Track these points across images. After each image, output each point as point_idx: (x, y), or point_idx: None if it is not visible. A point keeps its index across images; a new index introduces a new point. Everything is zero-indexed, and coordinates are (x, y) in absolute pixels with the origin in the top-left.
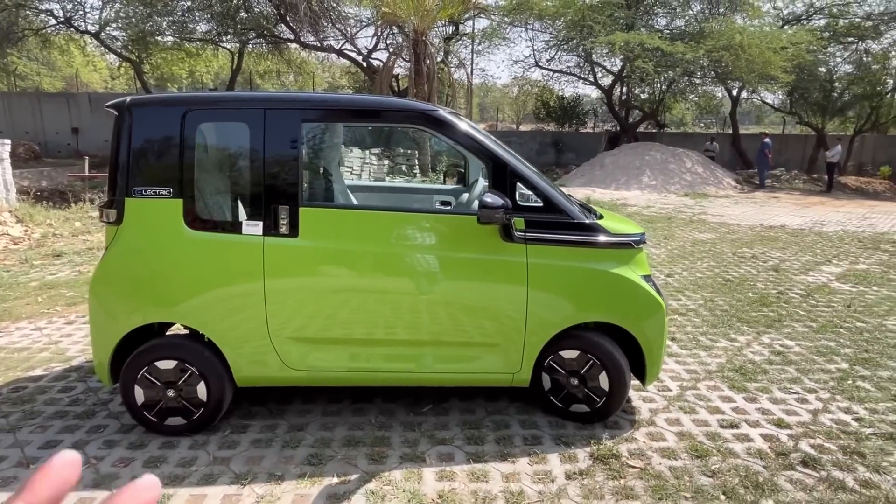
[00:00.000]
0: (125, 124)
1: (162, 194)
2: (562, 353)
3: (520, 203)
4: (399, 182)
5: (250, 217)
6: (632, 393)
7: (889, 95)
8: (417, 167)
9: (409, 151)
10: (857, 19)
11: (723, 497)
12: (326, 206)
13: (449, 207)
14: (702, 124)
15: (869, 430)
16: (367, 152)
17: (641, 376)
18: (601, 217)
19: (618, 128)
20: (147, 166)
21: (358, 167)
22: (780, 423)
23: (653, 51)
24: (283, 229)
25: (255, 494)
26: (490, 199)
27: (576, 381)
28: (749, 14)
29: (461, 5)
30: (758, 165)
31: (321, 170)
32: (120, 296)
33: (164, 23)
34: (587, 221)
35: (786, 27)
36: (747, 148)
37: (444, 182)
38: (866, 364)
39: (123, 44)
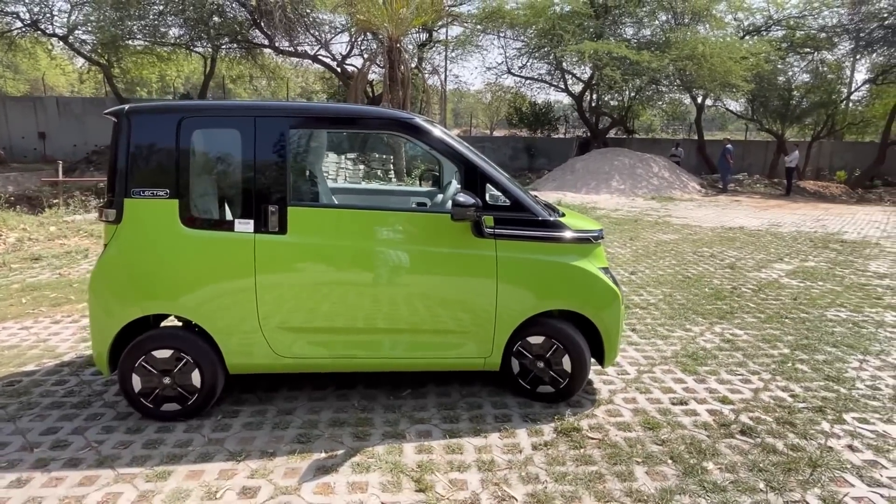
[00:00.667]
0: (124, 130)
1: (159, 195)
2: (529, 338)
3: (489, 202)
4: (376, 185)
5: (242, 216)
6: (593, 376)
7: (843, 103)
8: (393, 171)
9: (384, 156)
10: (813, 31)
11: (670, 461)
12: (312, 205)
13: (424, 207)
14: (669, 130)
15: (801, 405)
16: (343, 157)
17: (601, 359)
18: (563, 215)
19: (588, 133)
20: (145, 169)
21: (334, 171)
22: (724, 400)
23: (620, 59)
24: (273, 227)
25: (249, 469)
26: (462, 198)
27: (542, 365)
28: (712, 25)
29: (434, 14)
30: (720, 170)
31: (307, 172)
32: (119, 290)
33: (135, 27)
34: (550, 219)
35: (746, 38)
36: (712, 153)
37: (420, 185)
38: (806, 349)
39: (92, 47)
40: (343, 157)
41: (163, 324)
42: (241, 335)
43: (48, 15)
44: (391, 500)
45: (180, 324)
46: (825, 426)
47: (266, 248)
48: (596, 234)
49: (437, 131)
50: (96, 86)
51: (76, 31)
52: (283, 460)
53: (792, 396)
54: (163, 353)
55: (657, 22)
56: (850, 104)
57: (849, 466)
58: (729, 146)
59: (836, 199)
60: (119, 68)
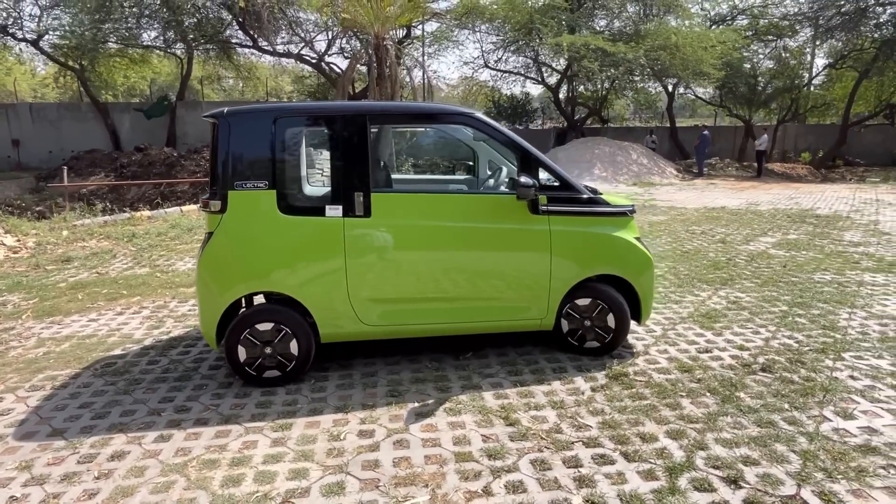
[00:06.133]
0: (224, 131)
1: (259, 186)
2: (577, 301)
3: (541, 183)
4: (420, 175)
5: (332, 202)
6: (628, 335)
7: (806, 88)
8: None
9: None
10: (776, 19)
11: (708, 394)
12: (391, 191)
13: (479, 190)
14: (641, 118)
15: (806, 349)
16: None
17: (637, 317)
18: (601, 194)
19: (565, 124)
20: (245, 164)
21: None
22: (741, 348)
23: (596, 51)
24: (359, 211)
25: (357, 418)
26: (525, 179)
27: (588, 323)
28: (680, 15)
29: (417, 11)
30: (696, 155)
31: (381, 162)
32: (226, 271)
33: (108, 30)
34: (592, 196)
35: (713, 27)
36: (685, 140)
37: (455, 174)
38: (801, 306)
39: (65, 52)
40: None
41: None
42: (332, 307)
43: (17, 20)
44: (488, 433)
45: (264, 301)
46: (829, 363)
47: (353, 230)
48: (631, 209)
49: (494, 123)
50: (62, 91)
51: (46, 36)
52: (384, 410)
53: (797, 343)
54: (265, 326)
55: (628, 13)
56: (812, 88)
57: (853, 390)
58: (706, 132)
59: (802, 179)
60: (94, 72)
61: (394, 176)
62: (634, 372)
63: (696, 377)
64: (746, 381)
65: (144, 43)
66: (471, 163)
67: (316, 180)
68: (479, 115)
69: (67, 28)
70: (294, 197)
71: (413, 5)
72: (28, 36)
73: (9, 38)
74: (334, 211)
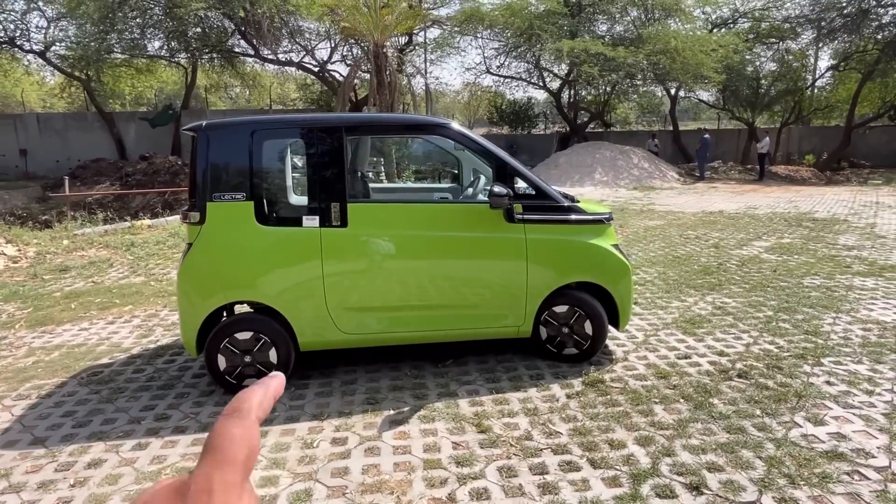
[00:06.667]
0: (203, 143)
1: (237, 198)
2: (555, 308)
3: (517, 192)
4: (401, 184)
5: (309, 213)
6: (608, 340)
7: (809, 90)
8: (384, 174)
9: (373, 159)
10: (778, 22)
11: (682, 400)
12: (367, 201)
13: (459, 199)
14: (644, 122)
15: (786, 354)
16: None
17: (616, 323)
18: (578, 201)
19: (567, 129)
20: (223, 176)
21: None
22: (721, 354)
23: (596, 56)
24: (336, 221)
25: (332, 425)
26: (498, 189)
27: (566, 330)
28: (682, 19)
29: (417, 19)
30: (698, 159)
31: (358, 173)
32: (205, 281)
33: (114, 40)
34: (568, 204)
35: (714, 31)
36: (687, 143)
37: (439, 182)
38: (787, 311)
39: (71, 62)
40: None
41: (235, 311)
42: (310, 316)
43: (25, 32)
44: (459, 440)
45: (251, 311)
46: (806, 368)
47: (330, 240)
48: (607, 216)
49: (470, 133)
50: (70, 101)
51: (53, 47)
52: (359, 417)
53: (777, 348)
54: (244, 335)
55: (629, 18)
56: (815, 90)
57: (827, 396)
58: (707, 136)
59: (806, 181)
60: (99, 82)
61: (374, 185)
62: (611, 378)
63: (672, 383)
64: (721, 388)
65: (149, 53)
66: (456, 171)
67: (295, 192)
68: (454, 125)
69: (73, 39)
70: (272, 208)
71: (413, 13)
72: (35, 47)
73: (17, 49)
74: (311, 221)
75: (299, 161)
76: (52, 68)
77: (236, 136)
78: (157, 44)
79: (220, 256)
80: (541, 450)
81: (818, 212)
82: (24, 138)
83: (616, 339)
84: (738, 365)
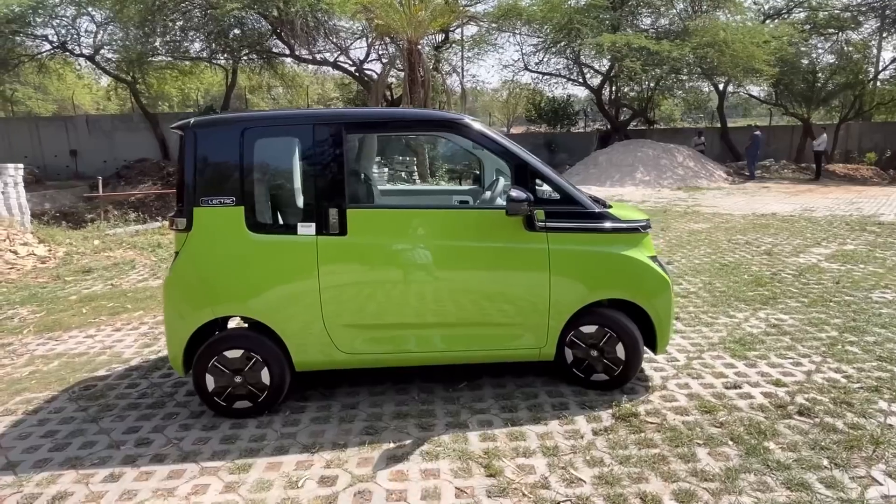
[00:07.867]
0: (190, 142)
1: (226, 203)
2: (582, 328)
3: (540, 197)
4: (419, 186)
5: (304, 219)
6: (644, 364)
7: (871, 83)
8: (416, 174)
9: (407, 158)
10: (837, 11)
11: (730, 442)
12: (370, 207)
13: (476, 203)
14: (690, 119)
15: (856, 385)
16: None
17: (653, 346)
18: (610, 207)
19: (608, 126)
20: (211, 178)
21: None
22: (777, 383)
23: (639, 50)
24: (334, 229)
25: (324, 460)
26: (516, 193)
27: (595, 353)
28: (731, 10)
29: (451, 16)
30: (748, 157)
31: (361, 175)
32: (191, 294)
33: (158, 42)
34: (598, 210)
35: (767, 22)
36: (736, 141)
37: (461, 184)
38: (854, 331)
39: (117, 65)
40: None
41: (229, 325)
42: (306, 333)
43: (75, 36)
44: (464, 485)
45: (246, 325)
46: (883, 405)
47: (328, 250)
48: (644, 224)
49: (486, 129)
50: (123, 102)
51: (102, 51)
52: (354, 451)
53: (846, 378)
54: (234, 353)
55: (674, 10)
56: (878, 84)
57: None
58: (758, 133)
59: (867, 181)
60: (144, 84)
61: (385, 188)
62: (646, 411)
63: (719, 420)
64: (779, 428)
65: (190, 55)
66: (478, 172)
67: (290, 196)
68: (468, 120)
69: (119, 42)
70: (264, 214)
71: (447, 9)
72: (85, 51)
73: (68, 53)
74: (306, 229)
75: (295, 161)
76: (101, 71)
77: (226, 135)
78: (197, 45)
79: (207, 267)
80: (559, 502)
81: (884, 214)
82: (74, 139)
83: (653, 363)
84: (799, 399)
